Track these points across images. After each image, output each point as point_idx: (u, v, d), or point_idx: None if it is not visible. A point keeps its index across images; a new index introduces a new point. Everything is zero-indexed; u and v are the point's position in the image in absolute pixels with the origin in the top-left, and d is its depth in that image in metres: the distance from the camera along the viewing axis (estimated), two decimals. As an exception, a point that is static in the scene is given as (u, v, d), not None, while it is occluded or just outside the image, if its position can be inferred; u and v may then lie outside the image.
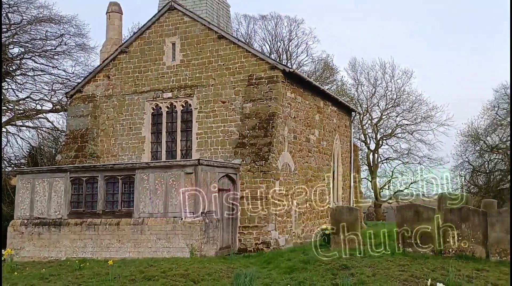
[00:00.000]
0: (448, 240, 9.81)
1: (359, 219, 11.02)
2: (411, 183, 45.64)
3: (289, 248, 14.56)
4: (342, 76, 43.42)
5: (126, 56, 19.76)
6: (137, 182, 14.97)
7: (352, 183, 24.43)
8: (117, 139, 19.73)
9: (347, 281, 7.49)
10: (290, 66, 16.91)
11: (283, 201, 16.89)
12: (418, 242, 9.99)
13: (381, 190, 45.54)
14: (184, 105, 18.72)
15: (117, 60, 19.93)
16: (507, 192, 34.77)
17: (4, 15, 26.56)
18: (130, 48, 19.71)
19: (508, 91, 36.20)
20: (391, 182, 46.35)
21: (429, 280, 6.13)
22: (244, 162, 16.37)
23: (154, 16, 19.23)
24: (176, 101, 18.81)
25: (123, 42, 20.30)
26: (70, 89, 21.58)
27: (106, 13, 20.82)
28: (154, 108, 19.22)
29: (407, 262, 8.96)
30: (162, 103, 19.03)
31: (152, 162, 15.01)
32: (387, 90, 46.68)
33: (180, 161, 14.49)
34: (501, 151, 36.09)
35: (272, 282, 8.44)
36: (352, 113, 25.89)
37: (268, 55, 17.41)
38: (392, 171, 46.40)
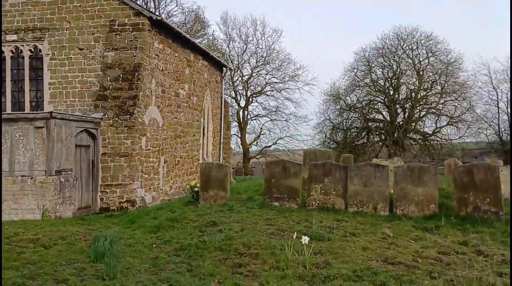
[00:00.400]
0: (312, 193, 10.10)
1: (229, 175, 10.77)
2: (278, 139, 47.74)
3: (156, 206, 13.88)
4: (213, 30, 42.70)
5: (-41, -11, 16.55)
6: (-24, 138, 12.84)
7: (222, 140, 24.30)
8: (-49, 89, 16.73)
9: (214, 238, 7.23)
10: (158, 14, 15.65)
11: (150, 158, 16.01)
12: (285, 196, 10.07)
13: (250, 146, 46.70)
14: (33, 50, 16.43)
15: None
16: (361, 147, 38.01)
17: None
18: (-36, -21, 16.51)
19: (367, 53, 38.97)
20: (260, 138, 47.79)
21: (295, 233, 6.14)
22: (106, 116, 15.01)
23: None
24: (23, 45, 16.41)
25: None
26: None
27: None
28: (-4, 52, 16.57)
29: (273, 216, 8.98)
30: (5, 46, 16.46)
31: (-7, 115, 12.93)
32: (258, 47, 47.26)
33: (29, 113, 12.70)
34: (357, 110, 38.99)
35: (136, 242, 7.81)
36: (223, 68, 25.46)
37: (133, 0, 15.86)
38: (261, 128, 47.78)
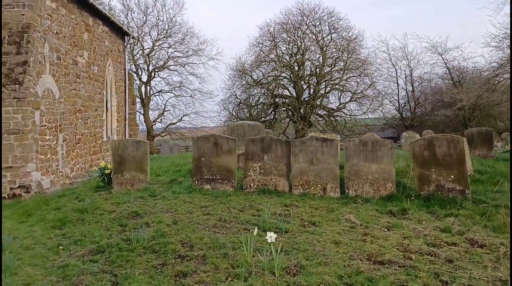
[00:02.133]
0: (249, 174, 8.89)
1: (148, 154, 9.26)
2: (184, 116, 46.01)
3: (57, 191, 11.93)
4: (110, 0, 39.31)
5: None
6: None
7: (127, 115, 22.29)
8: None
9: (142, 235, 5.70)
10: (51, -34, 13.33)
11: (46, 136, 13.84)
12: (218, 177, 8.82)
13: (154, 124, 44.54)
14: None
15: None
16: (268, 124, 37.82)
17: None
18: None
19: (272, 28, 38.49)
20: (164, 115, 45.70)
21: (255, 229, 4.85)
22: (-10, 86, 12.58)
23: None
24: None
25: None
26: None
27: None
28: None
29: (209, 202, 7.65)
30: None
31: None
32: (158, 19, 44.79)
33: None
34: (263, 86, 38.60)
35: (35, 243, 6.08)
36: (126, 37, 23.23)
37: None
38: (165, 104, 45.71)
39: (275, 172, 8.78)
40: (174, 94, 46.11)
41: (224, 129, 47.22)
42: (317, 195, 8.39)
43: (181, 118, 46.39)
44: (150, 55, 44.90)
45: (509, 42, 25.20)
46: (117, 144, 9.36)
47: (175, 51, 46.01)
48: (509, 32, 25.70)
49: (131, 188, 9.03)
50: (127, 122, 22.34)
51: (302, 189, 8.61)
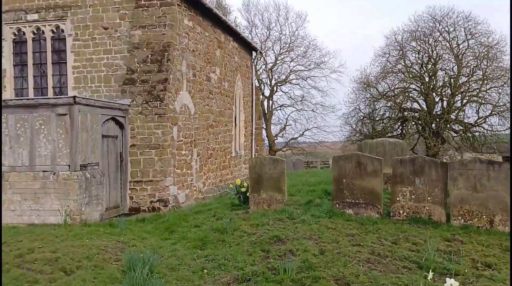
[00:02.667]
0: (398, 198, 8.10)
1: (285, 173, 8.95)
2: (305, 131, 45.76)
3: (191, 206, 12.22)
4: (235, 17, 40.76)
5: (-27, -37, 15.03)
6: (-10, 127, 11.36)
7: (254, 130, 22.56)
8: (-33, 73, 15.31)
9: (289, 265, 5.23)
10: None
11: (182, 150, 14.37)
12: (361, 201, 8.16)
13: (275, 138, 44.91)
14: (55, 30, 14.85)
15: (-40, -32, 15.11)
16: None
17: None
18: (-22, -48, 14.97)
19: (399, 37, 36.61)
20: (285, 129, 45.90)
21: (430, 273, 4.05)
22: (135, 102, 13.40)
23: None
24: (45, 26, 14.83)
25: None
26: None
27: None
28: (16, 33, 15.04)
29: (354, 229, 7.00)
30: (26, 27, 14.92)
31: (11, 100, 11.40)
32: (281, 33, 45.26)
33: (50, 99, 11.14)
34: (390, 99, 36.70)
35: (180, 264, 5.99)
36: (253, 52, 23.65)
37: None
38: (286, 119, 45.85)
39: (428, 198, 7.84)
40: (296, 108, 46.08)
41: (345, 145, 46.02)
42: (482, 228, 7.23)
43: (303, 132, 46.14)
44: (272, 70, 45.54)
45: None
46: (254, 161, 9.21)
47: (297, 64, 46.09)
48: None
49: (268, 208, 8.76)
50: (253, 137, 22.60)
51: (462, 220, 7.52)
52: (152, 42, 13.91)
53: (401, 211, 8.08)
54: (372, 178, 8.15)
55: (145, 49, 13.90)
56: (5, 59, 15.03)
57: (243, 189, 9.57)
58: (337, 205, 8.45)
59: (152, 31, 13.96)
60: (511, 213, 7.44)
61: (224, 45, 18.67)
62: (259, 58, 42.91)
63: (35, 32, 14.92)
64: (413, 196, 8.01)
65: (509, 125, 31.80)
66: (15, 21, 14.90)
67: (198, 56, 15.97)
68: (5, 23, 14.94)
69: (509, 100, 31.08)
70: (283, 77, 46.08)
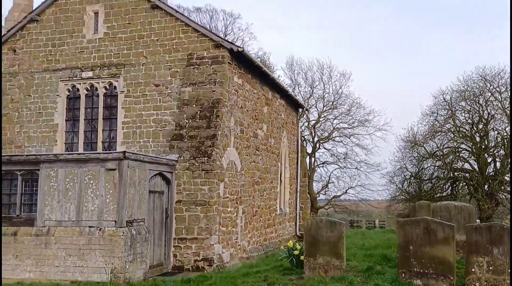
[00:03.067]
0: (473, 270, 7.28)
1: (344, 237, 8.34)
2: (349, 189, 44.62)
3: (237, 267, 11.67)
4: (279, 76, 41.30)
5: (37, 26, 15.93)
6: (42, 180, 11.47)
7: (299, 188, 22.02)
8: (23, 127, 15.84)
9: None
10: (239, 46, 14.09)
11: (227, 208, 14.00)
12: (431, 271, 7.40)
13: (318, 195, 43.98)
14: (108, 87, 15.27)
15: (25, 30, 16.04)
16: (444, 200, 34.24)
17: None
18: (42, 16, 15.90)
19: (448, 96, 35.86)
20: (328, 187, 44.96)
21: None
22: (182, 158, 13.31)
23: (73, -22, 15.60)
24: (98, 82, 15.31)
25: (33, 9, 16.41)
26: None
27: (13, -28, 16.79)
28: (71, 89, 15.58)
29: None
30: (80, 84, 15.45)
31: (62, 154, 11.54)
32: (325, 92, 45.43)
33: (100, 153, 11.20)
34: (439, 158, 35.46)
35: None
36: (299, 110, 23.57)
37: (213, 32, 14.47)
38: (329, 176, 45.00)
39: (509, 271, 7.02)
40: (339, 165, 45.26)
41: (391, 205, 44.35)
42: None
43: (346, 190, 45.01)
44: (315, 127, 45.39)
45: None
46: (310, 223, 8.69)
47: (340, 122, 45.80)
48: None
49: (324, 274, 8.12)
50: (298, 194, 22.03)
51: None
52: (202, 98, 14.01)
53: (477, 284, 7.24)
54: (442, 246, 7.41)
55: (194, 105, 13.98)
56: (57, 114, 15.48)
57: (296, 252, 8.99)
58: (403, 274, 7.69)
59: (202, 88, 14.10)
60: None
61: (272, 102, 18.66)
62: (302, 115, 43.07)
63: (89, 88, 15.39)
64: (490, 268, 7.18)
65: None
66: (70, 78, 15.46)
67: (246, 112, 15.94)
68: (61, 80, 15.52)
69: None
70: (326, 134, 45.77)
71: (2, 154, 12.41)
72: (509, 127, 32.88)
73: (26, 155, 11.70)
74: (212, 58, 14.24)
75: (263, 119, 17.60)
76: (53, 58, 15.70)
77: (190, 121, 13.83)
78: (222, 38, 14.32)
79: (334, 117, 45.39)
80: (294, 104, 22.27)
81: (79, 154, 11.35)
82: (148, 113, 14.67)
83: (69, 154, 11.65)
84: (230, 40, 14.30)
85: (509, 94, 33.43)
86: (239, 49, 14.20)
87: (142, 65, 14.90)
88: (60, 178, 11.35)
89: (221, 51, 14.27)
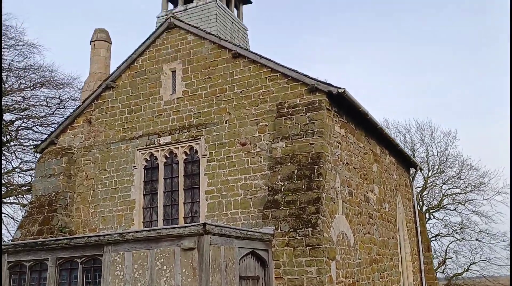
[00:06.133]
0: None
1: None
2: (471, 264, 38.09)
3: None
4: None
5: (113, 93, 14.57)
6: (106, 268, 9.02)
7: (422, 266, 17.75)
8: (98, 206, 14.00)
9: None
10: (338, 86, 11.32)
11: (343, 295, 10.52)
12: None
13: (436, 274, 37.87)
14: (189, 152, 13.10)
15: (101, 99, 14.74)
16: None
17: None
18: (118, 82, 14.57)
19: None
20: (445, 263, 38.77)
21: None
22: (279, 230, 10.33)
23: (148, 39, 14.24)
24: (178, 148, 13.22)
25: (109, 75, 15.21)
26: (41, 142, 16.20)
27: (90, 42, 15.99)
28: (148, 159, 13.63)
29: None
30: (158, 151, 13.47)
31: (129, 232, 9.07)
32: (428, 154, 40.76)
33: (174, 228, 8.55)
34: None
35: None
36: (410, 169, 19.88)
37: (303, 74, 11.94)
38: (445, 251, 38.91)
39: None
40: (455, 238, 39.13)
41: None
42: None
43: (468, 267, 38.43)
44: (422, 194, 40.33)
45: None
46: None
47: (451, 187, 40.45)
48: None
49: None
50: (423, 274, 17.71)
51: None
52: (298, 154, 11.22)
53: None
54: None
55: (289, 163, 11.20)
56: (134, 188, 13.48)
57: None
58: None
59: (298, 141, 11.37)
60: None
61: (381, 158, 15.36)
62: (416, 176, 38.52)
63: (168, 156, 13.33)
64: None
65: None
66: (147, 146, 13.56)
67: (353, 170, 12.81)
68: (137, 149, 13.67)
69: None
70: (435, 202, 40.48)
71: (63, 238, 10.28)
72: None
73: (88, 237, 9.41)
74: (307, 105, 11.61)
75: (373, 179, 14.27)
76: (129, 125, 14.03)
77: (286, 183, 10.98)
78: (317, 80, 11.72)
79: (442, 182, 40.23)
80: (404, 162, 18.70)
81: (149, 230, 8.82)
82: (235, 179, 12.10)
83: (137, 231, 9.19)
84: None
85: None
86: (339, 90, 11.44)
87: (225, 123, 12.64)
88: (126, 265, 8.83)
89: (317, 95, 11.65)
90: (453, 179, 40.03)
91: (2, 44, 24.12)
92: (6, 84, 24.11)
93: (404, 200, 17.76)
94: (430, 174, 40.35)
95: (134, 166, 13.63)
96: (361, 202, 12.95)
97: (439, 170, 40.32)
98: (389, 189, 15.82)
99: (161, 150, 13.41)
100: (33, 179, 16.80)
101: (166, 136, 13.39)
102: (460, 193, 39.78)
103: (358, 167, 13.20)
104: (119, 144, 14.07)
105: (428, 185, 40.26)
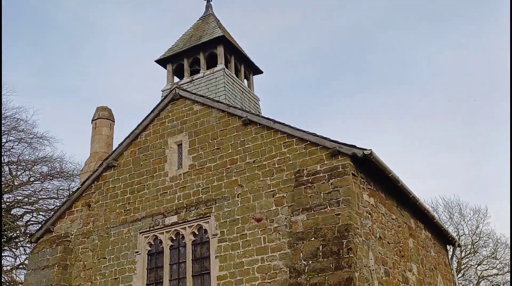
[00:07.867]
0: None
1: None
2: None
3: None
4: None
5: (114, 172, 13.38)
6: None
7: None
8: (96, 301, 12.21)
9: None
10: (364, 148, 9.98)
11: None
12: None
13: None
14: (197, 232, 11.53)
15: (101, 180, 13.51)
16: None
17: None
18: (119, 160, 13.43)
19: None
20: None
21: None
22: (306, 321, 8.43)
23: (152, 112, 13.34)
24: (185, 228, 11.68)
25: (110, 153, 14.12)
26: (36, 231, 14.77)
27: (92, 120, 15.16)
28: (152, 243, 12.06)
29: None
30: (163, 233, 11.92)
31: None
32: (458, 234, 38.12)
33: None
34: None
35: None
36: (448, 246, 17.77)
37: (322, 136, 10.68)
38: None
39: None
40: (503, 325, 35.41)
41: None
42: None
43: None
44: (457, 278, 37.04)
45: None
46: None
47: (487, 268, 37.45)
48: None
49: None
50: None
51: None
52: (323, 227, 9.62)
53: None
54: None
55: (313, 238, 9.57)
56: (136, 278, 11.77)
57: None
58: None
59: (321, 212, 9.82)
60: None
61: (416, 233, 13.52)
62: (455, 253, 35.65)
63: (174, 238, 11.77)
64: None
65: None
66: (151, 228, 12.06)
67: (387, 246, 11.03)
68: (140, 232, 12.16)
69: None
70: (471, 285, 37.26)
71: None
72: None
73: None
74: (329, 171, 10.20)
75: (410, 257, 12.36)
76: (131, 206, 12.66)
77: (310, 262, 9.26)
78: (338, 142, 10.39)
79: (477, 263, 37.31)
80: (441, 238, 16.67)
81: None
82: (251, 260, 10.40)
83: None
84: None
85: None
86: (365, 152, 10.07)
87: (238, 197, 11.19)
88: None
89: (340, 159, 10.28)
90: (488, 259, 37.23)
91: (12, 138, 23.77)
92: (17, 179, 23.34)
93: (445, 281, 15.53)
94: (463, 254, 37.53)
95: (137, 252, 12.03)
96: (399, 284, 10.99)
97: (472, 250, 37.58)
98: (428, 269, 13.77)
99: (166, 232, 11.87)
100: (25, 273, 15.14)
101: (172, 215, 11.92)
102: (497, 274, 36.85)
103: (393, 242, 11.41)
104: (120, 228, 12.59)
105: (462, 267, 37.29)
